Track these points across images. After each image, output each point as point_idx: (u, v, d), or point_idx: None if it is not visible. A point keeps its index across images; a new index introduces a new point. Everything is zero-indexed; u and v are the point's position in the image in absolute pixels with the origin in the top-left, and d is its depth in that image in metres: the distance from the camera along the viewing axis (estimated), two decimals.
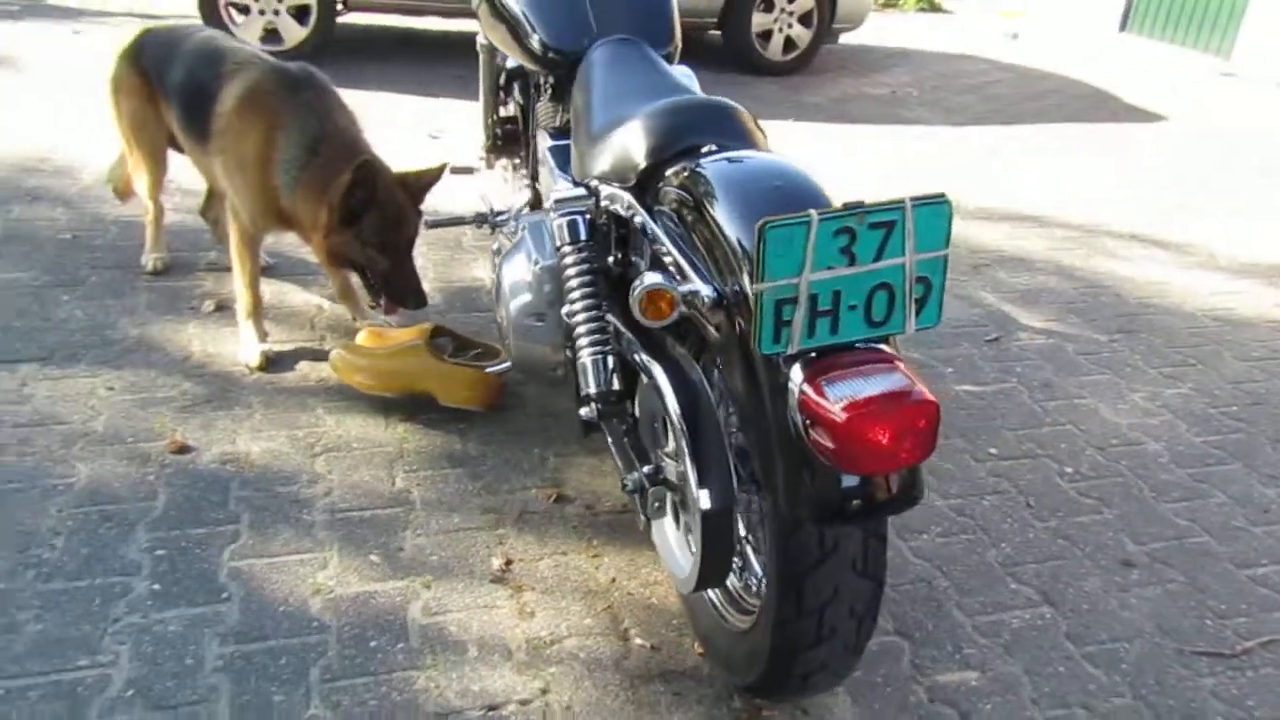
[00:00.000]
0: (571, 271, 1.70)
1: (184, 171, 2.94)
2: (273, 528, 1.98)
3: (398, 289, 2.32)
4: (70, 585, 1.79)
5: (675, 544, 1.62)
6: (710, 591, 1.68)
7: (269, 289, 2.93)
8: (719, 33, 6.26)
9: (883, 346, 1.24)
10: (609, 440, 1.72)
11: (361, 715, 1.59)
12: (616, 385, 1.66)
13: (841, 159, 4.70)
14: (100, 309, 2.74)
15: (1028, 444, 2.50)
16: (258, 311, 2.58)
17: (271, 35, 5.32)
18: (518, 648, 1.75)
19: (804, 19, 6.27)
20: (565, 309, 1.71)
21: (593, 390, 1.66)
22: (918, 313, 1.21)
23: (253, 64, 2.41)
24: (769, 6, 6.16)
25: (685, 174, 1.46)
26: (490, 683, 1.67)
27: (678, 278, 1.40)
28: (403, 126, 4.51)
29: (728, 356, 1.33)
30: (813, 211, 1.12)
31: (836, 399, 1.14)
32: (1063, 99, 6.39)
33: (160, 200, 2.93)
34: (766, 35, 6.25)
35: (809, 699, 1.68)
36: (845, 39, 7.26)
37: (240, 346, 2.56)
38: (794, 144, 4.84)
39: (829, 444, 1.14)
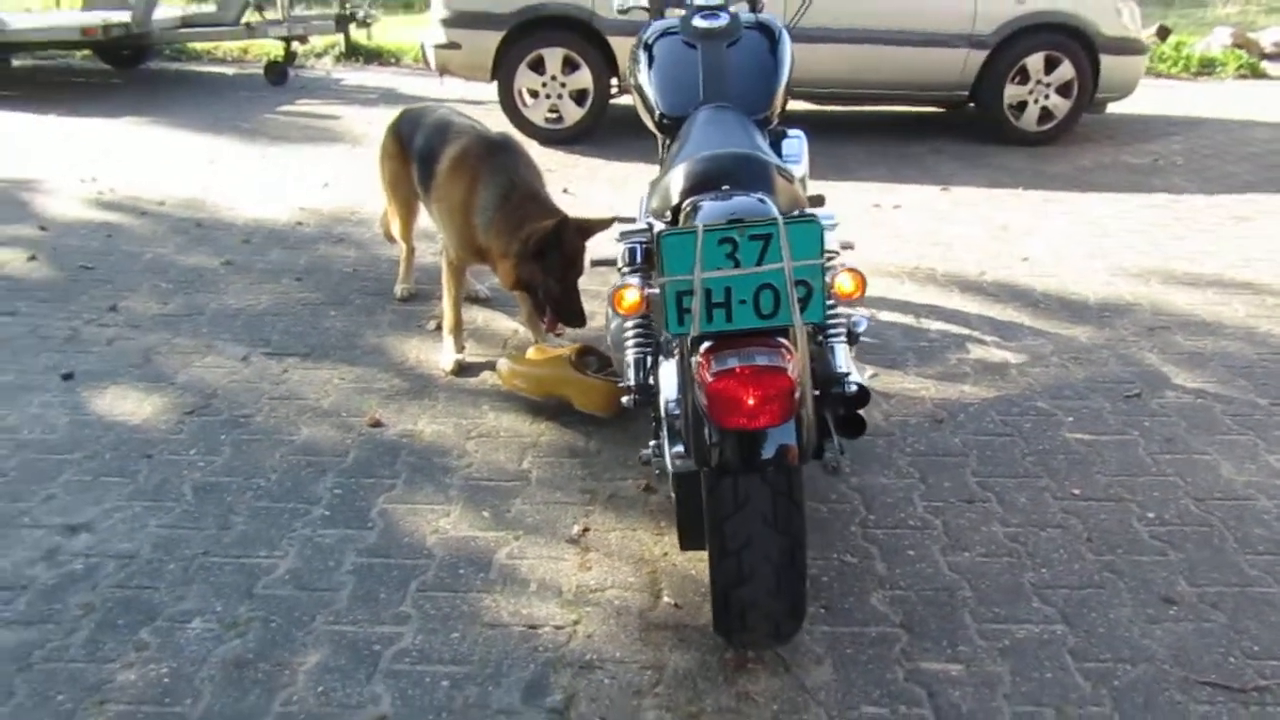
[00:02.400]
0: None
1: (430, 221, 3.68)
2: (420, 485, 2.55)
3: (565, 311, 2.85)
4: (272, 505, 2.45)
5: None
6: None
7: (481, 315, 3.60)
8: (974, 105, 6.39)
9: (782, 340, 1.56)
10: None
11: (435, 613, 2.08)
12: (650, 380, 2.05)
13: (1035, 221, 4.72)
14: (354, 323, 3.52)
15: (1116, 489, 2.55)
16: (458, 328, 3.22)
17: (554, 116, 6.20)
18: (568, 590, 2.17)
19: (1063, 89, 6.25)
20: (615, 319, 2.14)
21: (633, 382, 2.06)
22: (802, 310, 1.52)
23: (465, 133, 3.09)
24: (1024, 78, 6.21)
25: (689, 207, 1.86)
26: (537, 610, 2.10)
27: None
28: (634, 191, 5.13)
29: (680, 347, 1.70)
30: (699, 224, 1.49)
31: (715, 367, 1.48)
32: None
33: (411, 241, 3.70)
34: (1022, 106, 6.29)
35: (791, 658, 1.95)
36: (1125, 108, 7.08)
37: (441, 354, 3.20)
38: (990, 208, 4.92)
39: (708, 404, 1.49)
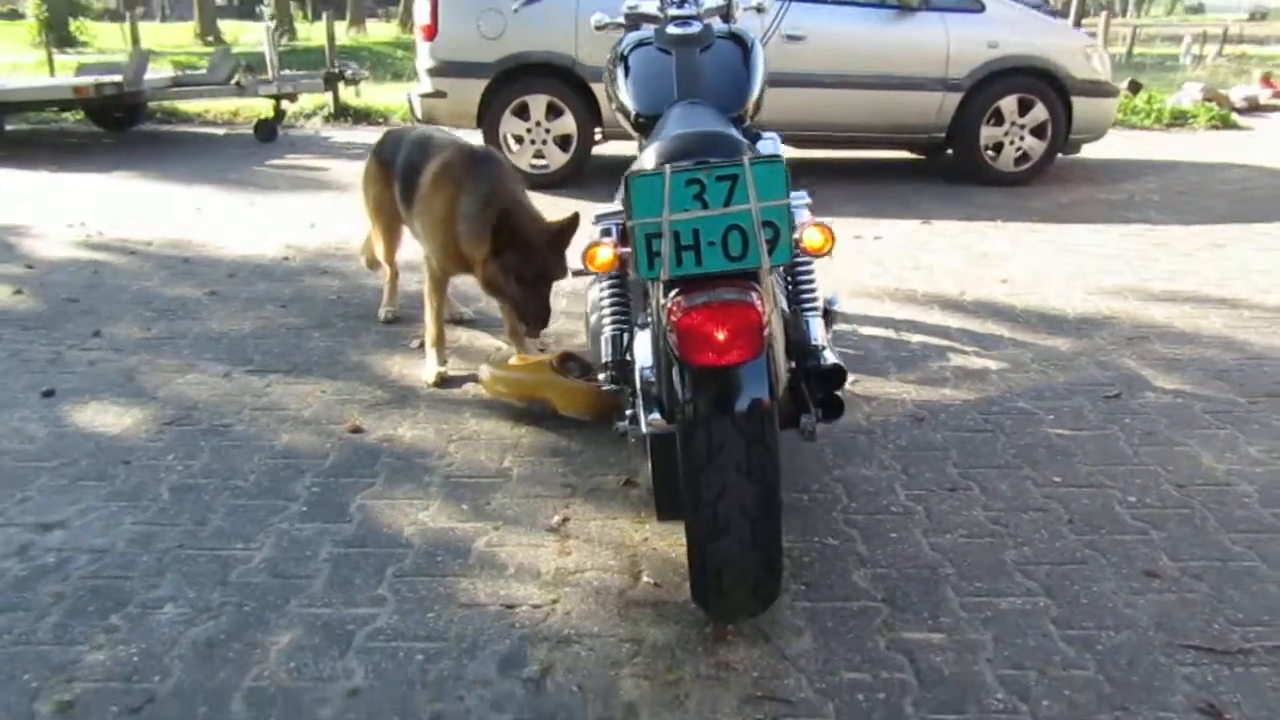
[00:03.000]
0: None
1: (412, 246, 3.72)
2: (399, 482, 2.53)
3: (531, 312, 2.86)
4: (250, 502, 2.43)
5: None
6: None
7: (465, 334, 3.61)
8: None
9: (754, 285, 1.57)
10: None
11: (411, 596, 2.05)
12: (627, 356, 2.06)
13: (1014, 249, 4.78)
14: (337, 343, 3.52)
15: (1098, 477, 2.55)
16: (441, 341, 3.23)
17: (539, 161, 6.30)
18: (547, 573, 2.14)
19: (1038, 131, 6.39)
20: (594, 295, 2.15)
21: (609, 358, 2.07)
22: (771, 252, 1.54)
23: (448, 147, 3.14)
24: (999, 120, 6.35)
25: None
26: (515, 591, 2.08)
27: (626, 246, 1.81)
28: None
29: (651, 298, 1.72)
30: (667, 166, 1.51)
31: (685, 304, 1.49)
32: None
33: (395, 264, 3.73)
34: (999, 147, 6.42)
35: (771, 630, 1.93)
36: (1101, 153, 7.24)
37: (424, 368, 3.21)
38: (970, 238, 4.99)
39: (679, 342, 1.49)
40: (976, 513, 2.37)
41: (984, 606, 2.01)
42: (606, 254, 1.79)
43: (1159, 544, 2.24)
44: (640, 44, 2.77)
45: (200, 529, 2.31)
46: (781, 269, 2.12)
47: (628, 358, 2.07)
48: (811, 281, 2.07)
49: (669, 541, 2.25)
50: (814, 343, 2.00)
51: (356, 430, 2.82)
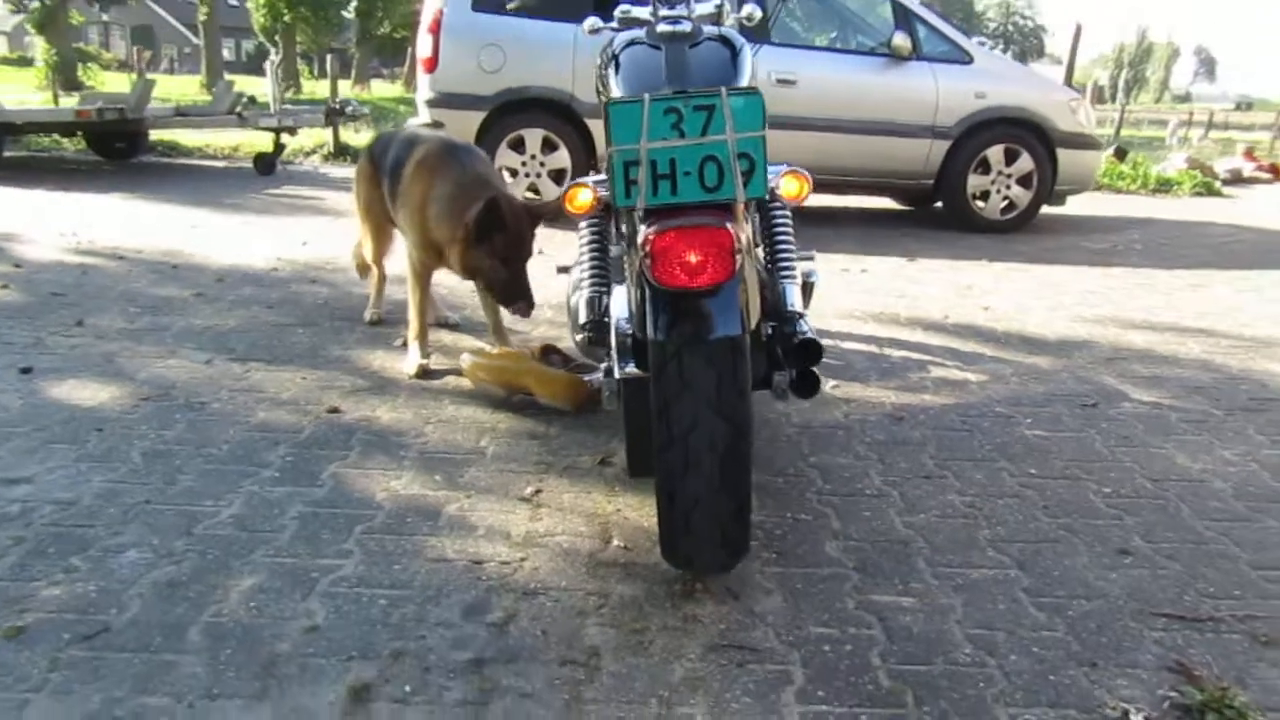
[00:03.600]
0: (585, 234, 2.17)
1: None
2: (374, 455, 2.52)
3: (513, 294, 2.88)
4: (222, 467, 2.41)
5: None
6: None
7: (450, 337, 3.62)
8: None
9: (729, 215, 1.59)
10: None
11: (378, 550, 2.03)
12: (605, 318, 2.07)
13: (998, 284, 4.83)
14: (321, 340, 3.53)
15: (1074, 470, 2.55)
16: (423, 335, 3.24)
17: (534, 195, 6.38)
18: (516, 534, 2.12)
19: (1024, 180, 6.50)
20: (575, 260, 2.17)
21: (584, 319, 2.08)
22: (746, 184, 1.56)
23: (430, 140, 3.19)
24: (986, 169, 6.47)
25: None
26: (483, 549, 2.06)
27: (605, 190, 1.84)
28: None
29: (627, 233, 1.73)
30: (645, 95, 1.54)
31: (660, 230, 1.51)
32: None
33: (383, 266, 3.75)
34: (986, 195, 6.53)
35: (740, 589, 1.91)
36: (1087, 208, 7.37)
37: (406, 359, 3.21)
38: (955, 274, 5.05)
39: (652, 264, 1.51)
40: (951, 497, 2.37)
41: (955, 576, 2.00)
42: (587, 196, 1.81)
43: (1133, 528, 2.23)
44: (631, 43, 2.83)
45: (169, 488, 2.29)
46: (761, 231, 2.15)
47: (605, 319, 2.08)
48: (789, 244, 2.09)
49: (642, 513, 2.24)
50: (790, 308, 2.01)
51: (334, 411, 2.81)
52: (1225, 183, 10.77)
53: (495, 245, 2.83)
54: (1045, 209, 6.65)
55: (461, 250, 2.86)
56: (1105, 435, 2.80)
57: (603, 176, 2.21)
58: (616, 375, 1.83)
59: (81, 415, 2.71)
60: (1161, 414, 3.00)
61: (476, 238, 2.82)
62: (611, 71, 2.80)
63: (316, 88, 25.95)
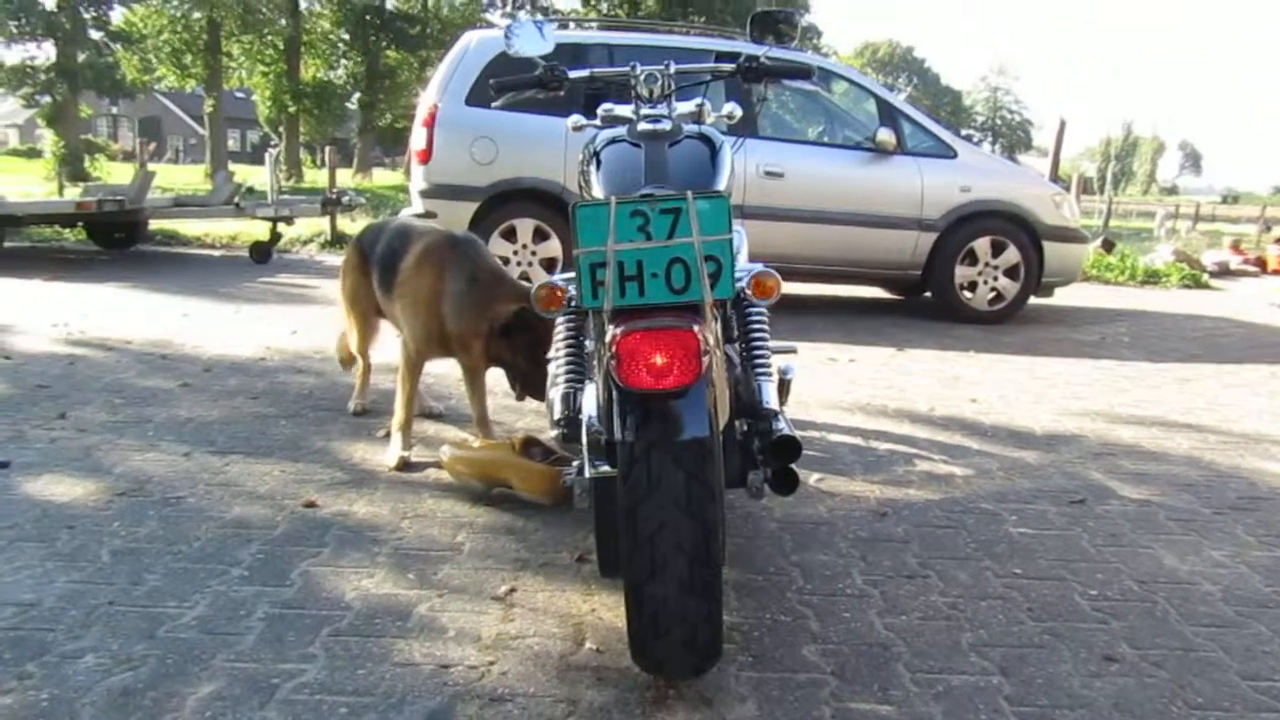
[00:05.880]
0: (560, 330, 2.17)
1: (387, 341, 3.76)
2: (347, 552, 2.47)
3: (534, 386, 2.92)
4: (191, 566, 2.37)
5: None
6: None
7: (434, 427, 3.60)
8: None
9: (696, 317, 1.59)
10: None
11: (343, 654, 1.97)
12: (578, 414, 2.06)
13: (986, 375, 4.84)
14: (303, 431, 3.51)
15: (1060, 571, 2.50)
16: (408, 426, 3.22)
17: (524, 283, 6.42)
18: (487, 637, 2.07)
19: (1011, 272, 6.56)
20: (551, 354, 2.17)
21: (558, 415, 2.07)
22: (713, 286, 1.57)
23: (429, 232, 3.23)
24: (974, 260, 6.54)
25: None
26: (452, 652, 2.00)
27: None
28: None
29: (595, 333, 1.73)
30: (612, 197, 1.56)
31: (627, 331, 1.51)
32: None
33: (368, 356, 3.75)
34: (974, 286, 6.58)
35: (714, 695, 1.85)
36: (1075, 299, 7.43)
37: (388, 451, 3.18)
38: (942, 365, 5.06)
39: (618, 365, 1.50)
40: (934, 598, 2.32)
41: (936, 682, 1.94)
42: (556, 295, 1.81)
43: (1119, 632, 2.18)
44: (613, 140, 2.88)
45: (135, 588, 2.24)
46: (736, 330, 2.15)
47: (578, 416, 2.07)
48: (764, 342, 2.09)
49: (617, 613, 2.18)
50: (767, 406, 2.00)
51: (311, 505, 2.78)
52: (1212, 275, 10.89)
53: (517, 343, 2.89)
54: (1033, 300, 6.70)
55: (484, 344, 2.97)
56: (1092, 534, 2.76)
57: (572, 275, 2.22)
58: (588, 474, 1.80)
59: (54, 512, 2.67)
60: (1149, 512, 2.96)
61: (500, 336, 2.93)
62: (593, 168, 2.84)
63: (319, 176, 26.39)
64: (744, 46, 5.69)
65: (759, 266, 1.95)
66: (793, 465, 2.02)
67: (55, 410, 3.66)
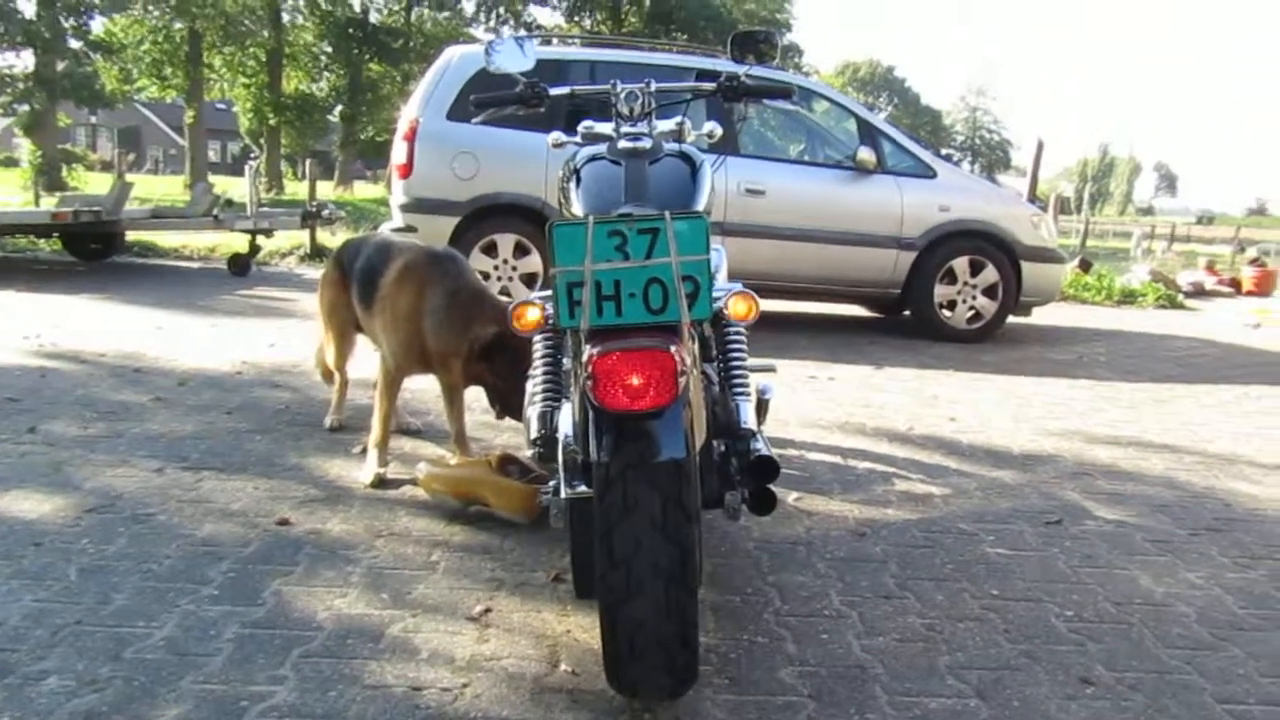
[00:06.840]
0: (538, 348, 2.16)
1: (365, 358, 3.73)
2: (320, 570, 2.44)
3: (512, 405, 2.89)
4: (160, 585, 2.33)
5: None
6: None
7: (411, 444, 3.57)
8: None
9: (673, 338, 1.58)
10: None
11: (314, 676, 1.94)
12: (554, 433, 2.04)
13: (964, 394, 4.85)
14: (278, 446, 3.47)
15: (1037, 592, 2.50)
16: (385, 443, 3.19)
17: (504, 298, 6.40)
18: (461, 658, 2.05)
19: (989, 291, 6.60)
20: (530, 372, 2.15)
21: (535, 434, 2.05)
22: (691, 306, 1.56)
23: (410, 249, 3.21)
24: (953, 279, 6.58)
25: None
26: (425, 674, 1.97)
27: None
28: None
29: (572, 352, 1.72)
30: (590, 217, 1.55)
31: (604, 352, 1.50)
32: (1278, 370, 6.15)
33: (345, 372, 3.72)
34: (953, 304, 6.61)
35: (689, 718, 1.83)
36: (1053, 319, 7.48)
37: (363, 468, 3.15)
38: (921, 383, 5.07)
39: (595, 386, 1.49)
40: (912, 619, 2.31)
41: (913, 705, 1.93)
42: (534, 314, 1.80)
43: (1095, 655, 2.18)
44: (593, 158, 2.88)
45: (102, 607, 2.20)
46: (715, 349, 2.14)
47: (555, 435, 2.05)
48: (742, 362, 2.08)
49: (593, 634, 2.16)
50: (745, 426, 1.99)
51: (284, 523, 2.74)
52: (1188, 295, 11.00)
53: (497, 364, 2.87)
54: (1011, 319, 6.74)
55: (464, 364, 2.93)
56: (1069, 554, 2.76)
57: (549, 293, 2.21)
58: (564, 494, 1.79)
59: (21, 529, 2.62)
60: (1125, 533, 2.97)
61: (480, 357, 2.88)
62: (573, 185, 2.83)
63: (300, 189, 26.28)
64: (725, 65, 5.70)
65: (738, 286, 1.94)
66: (770, 485, 2.01)
67: (25, 424, 3.60)
